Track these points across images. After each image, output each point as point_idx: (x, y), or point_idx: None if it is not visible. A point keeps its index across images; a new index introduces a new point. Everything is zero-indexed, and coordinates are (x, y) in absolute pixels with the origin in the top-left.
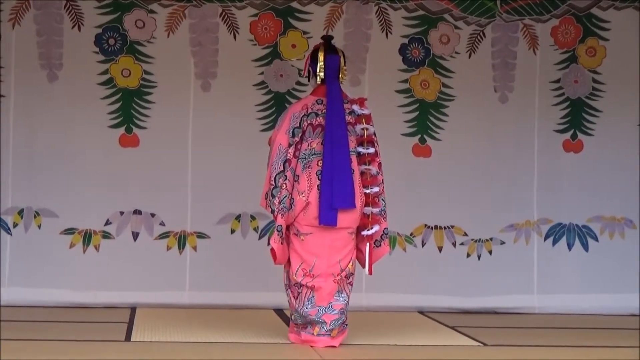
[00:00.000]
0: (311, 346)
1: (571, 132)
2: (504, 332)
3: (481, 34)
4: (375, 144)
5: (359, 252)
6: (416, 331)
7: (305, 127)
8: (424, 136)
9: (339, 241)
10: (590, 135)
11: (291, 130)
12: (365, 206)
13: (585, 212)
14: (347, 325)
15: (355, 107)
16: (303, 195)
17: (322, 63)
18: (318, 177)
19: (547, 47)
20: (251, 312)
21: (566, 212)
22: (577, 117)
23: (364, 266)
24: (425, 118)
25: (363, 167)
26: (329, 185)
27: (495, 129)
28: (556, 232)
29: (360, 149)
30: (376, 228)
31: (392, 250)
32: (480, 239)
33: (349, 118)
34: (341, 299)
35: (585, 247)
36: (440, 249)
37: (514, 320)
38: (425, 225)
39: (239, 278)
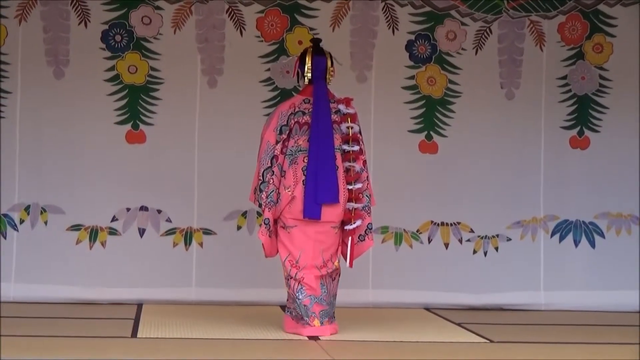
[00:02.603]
0: (311, 336)
1: (578, 128)
2: (511, 329)
3: (488, 30)
4: (360, 142)
5: (343, 245)
6: (422, 328)
7: (292, 125)
8: (431, 133)
9: (322, 235)
10: (596, 131)
11: (279, 128)
12: (348, 202)
13: (592, 209)
14: (334, 318)
15: (341, 107)
16: (289, 189)
17: (310, 64)
18: (304, 173)
19: (554, 44)
20: (257, 308)
21: (573, 208)
22: (583, 113)
23: (345, 259)
24: (431, 114)
25: (347, 164)
26: (314, 180)
27: (502, 126)
28: (563, 229)
29: (345, 147)
30: (359, 222)
31: (398, 247)
32: (486, 236)
33: (334, 117)
34: (324, 290)
35: (592, 244)
36: (446, 245)
37: (520, 317)
38: (432, 221)
39: (245, 274)
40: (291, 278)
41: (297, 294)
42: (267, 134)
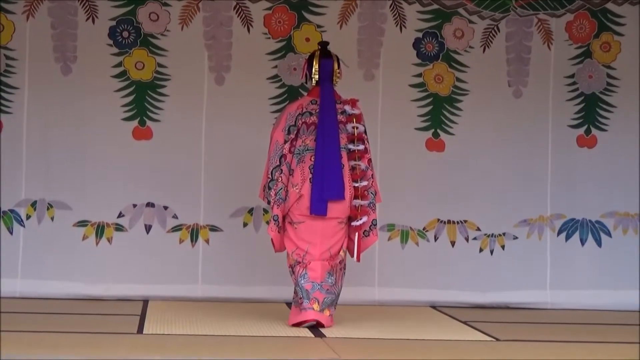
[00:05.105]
0: (307, 321)
1: (585, 127)
2: (517, 327)
3: (495, 28)
4: (365, 142)
5: (350, 241)
6: (428, 326)
7: (300, 125)
8: (438, 130)
9: (329, 229)
10: (604, 130)
11: (287, 128)
12: (354, 199)
13: (598, 208)
14: (334, 306)
15: (347, 108)
16: (296, 187)
17: (317, 67)
18: (310, 171)
19: (562, 42)
20: (263, 305)
21: (580, 207)
22: (591, 112)
23: (352, 255)
24: (439, 112)
25: (353, 162)
26: (320, 178)
27: (509, 124)
28: (569, 228)
29: (350, 146)
30: (364, 219)
31: (404, 245)
32: (493, 234)
33: (340, 117)
34: (329, 280)
35: (599, 243)
36: (453, 243)
37: (526, 316)
38: (438, 219)
39: (251, 271)
40: (298, 264)
41: (300, 279)
42: (276, 134)
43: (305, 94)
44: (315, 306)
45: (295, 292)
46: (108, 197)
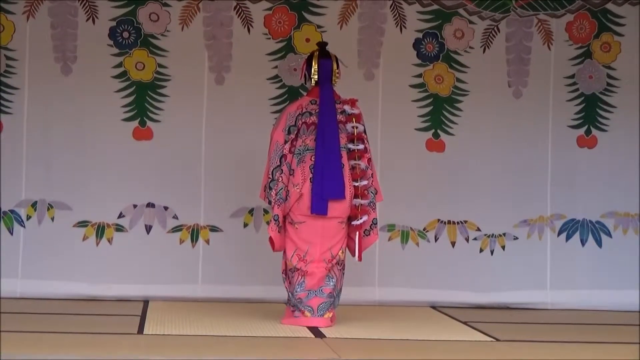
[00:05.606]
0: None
1: (585, 127)
2: (517, 328)
3: (495, 28)
4: (365, 141)
5: (350, 240)
6: (429, 326)
7: (300, 125)
8: (438, 131)
9: (330, 229)
10: (604, 131)
11: (287, 128)
12: (354, 198)
13: (599, 208)
14: (335, 306)
15: (347, 107)
16: (297, 187)
17: (316, 67)
18: (311, 171)
19: (562, 43)
20: (263, 305)
21: (580, 207)
22: (591, 112)
23: (353, 254)
24: (439, 113)
25: (353, 162)
26: (320, 178)
27: (509, 124)
28: (570, 228)
29: (350, 146)
30: (365, 218)
31: (404, 245)
32: (493, 234)
33: (340, 117)
34: (331, 283)
35: (599, 243)
36: (453, 244)
37: (526, 316)
38: (439, 220)
39: (251, 271)
40: (297, 270)
41: (296, 287)
42: (276, 134)
43: (305, 94)
44: (307, 314)
45: (289, 297)
46: (108, 198)
